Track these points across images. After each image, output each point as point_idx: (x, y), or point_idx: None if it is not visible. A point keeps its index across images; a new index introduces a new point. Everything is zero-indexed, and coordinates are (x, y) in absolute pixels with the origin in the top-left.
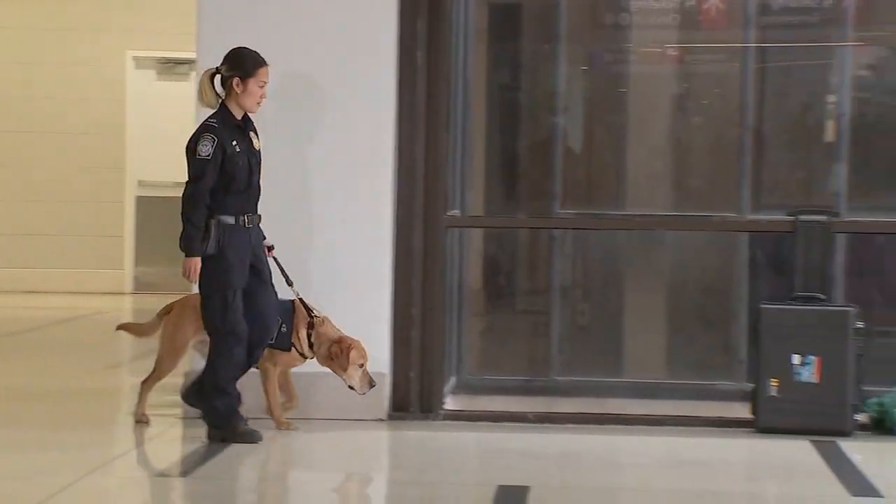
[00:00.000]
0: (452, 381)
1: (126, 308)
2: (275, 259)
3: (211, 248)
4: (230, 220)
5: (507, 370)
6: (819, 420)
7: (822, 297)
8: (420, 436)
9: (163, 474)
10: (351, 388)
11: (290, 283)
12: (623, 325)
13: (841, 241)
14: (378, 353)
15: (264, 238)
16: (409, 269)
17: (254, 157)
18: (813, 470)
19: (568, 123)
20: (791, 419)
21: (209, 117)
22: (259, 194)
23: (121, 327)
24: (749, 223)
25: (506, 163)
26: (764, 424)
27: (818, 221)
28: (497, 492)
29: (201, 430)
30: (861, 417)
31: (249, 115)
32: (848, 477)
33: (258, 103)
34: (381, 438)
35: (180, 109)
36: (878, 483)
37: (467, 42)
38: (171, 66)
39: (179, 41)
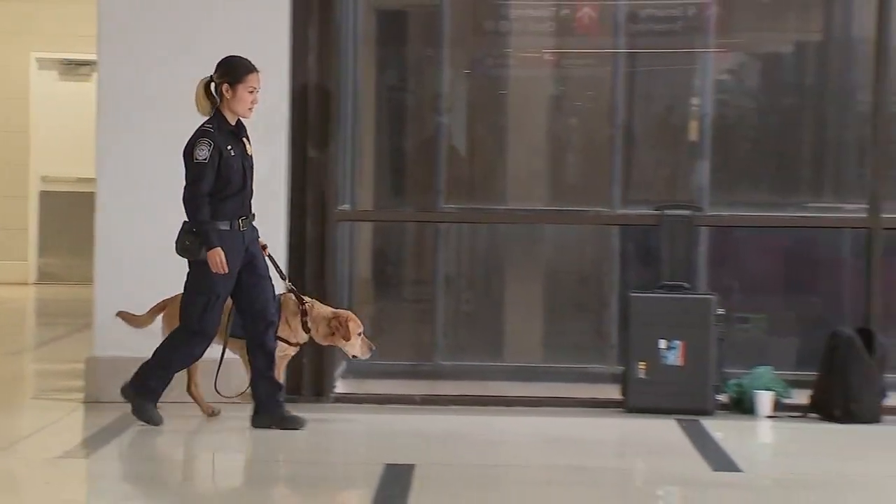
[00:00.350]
0: (343, 366)
1: (30, 297)
2: (269, 256)
3: (203, 253)
4: (224, 225)
5: (395, 355)
6: (684, 400)
7: (686, 285)
8: (311, 418)
9: (66, 455)
10: (354, 356)
11: (283, 278)
12: (504, 313)
13: (703, 233)
14: None
15: (258, 236)
16: (302, 261)
17: (247, 161)
18: (678, 447)
19: (452, 123)
20: (658, 400)
21: (205, 123)
22: (252, 196)
23: (119, 314)
24: (619, 217)
25: (394, 160)
26: (633, 405)
27: (682, 216)
28: (384, 470)
29: (104, 415)
30: (722, 398)
31: (242, 120)
32: (710, 453)
33: (250, 109)
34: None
35: (82, 109)
36: (737, 458)
37: (356, 47)
38: (73, 67)
39: (81, 43)
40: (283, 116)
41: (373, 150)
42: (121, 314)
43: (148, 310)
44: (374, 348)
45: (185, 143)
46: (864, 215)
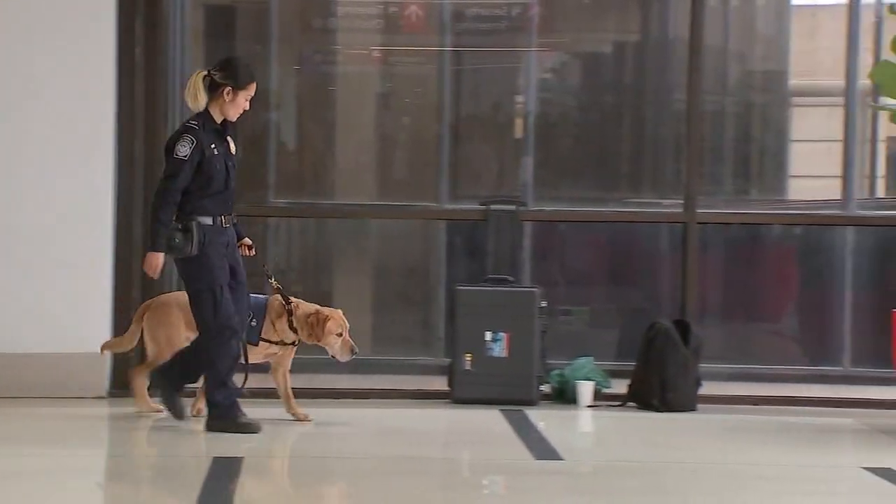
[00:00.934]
0: None
1: None
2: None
3: (193, 249)
4: (208, 220)
5: None
6: (508, 391)
7: (510, 279)
8: (137, 412)
9: None
10: (333, 357)
11: (269, 277)
12: (334, 306)
13: (528, 228)
14: (100, 333)
15: (241, 238)
16: (130, 255)
17: (230, 161)
18: (503, 436)
19: (281, 119)
20: (484, 390)
21: (190, 119)
22: (233, 197)
23: (105, 347)
24: (446, 212)
25: None
26: (459, 396)
27: (507, 210)
28: (213, 463)
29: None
30: (545, 388)
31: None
32: (533, 442)
33: (240, 114)
34: (101, 415)
35: None
36: (559, 447)
37: (184, 41)
38: None
39: None
40: (109, 109)
41: None
42: (105, 345)
43: (130, 327)
44: (356, 351)
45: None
46: (680, 210)
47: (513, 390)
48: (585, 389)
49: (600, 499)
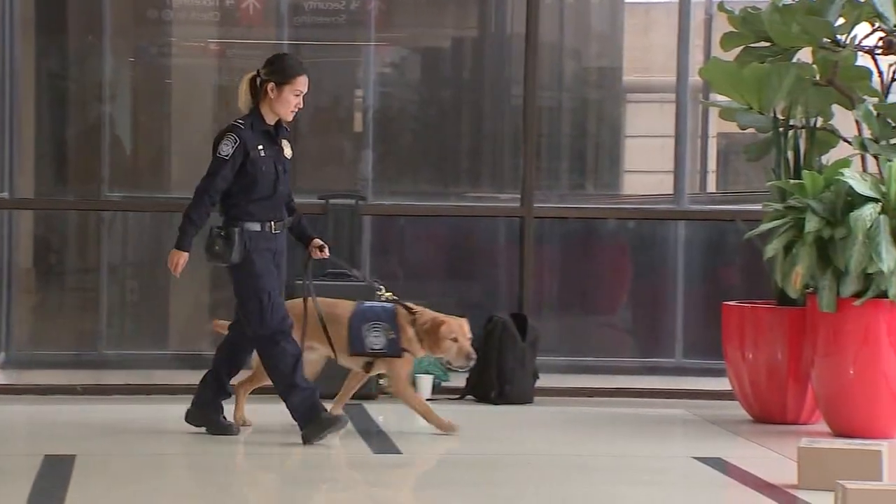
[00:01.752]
0: (2, 356)
1: None
2: (333, 259)
3: (236, 256)
4: (255, 226)
5: (57, 345)
6: None
7: (350, 273)
8: None
9: None
10: (449, 364)
11: (380, 290)
12: (169, 302)
13: (367, 222)
14: None
15: (310, 239)
16: None
17: (281, 165)
18: (342, 431)
19: (115, 112)
20: (322, 385)
21: (238, 118)
22: (285, 202)
23: (217, 325)
24: None
25: (56, 148)
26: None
27: (347, 205)
28: (44, 461)
29: None
30: (384, 382)
31: (284, 122)
32: (372, 437)
33: (292, 112)
34: None
35: None
36: (397, 441)
37: (13, 31)
38: None
39: None
40: None
41: (34, 138)
42: (217, 325)
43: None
44: (473, 357)
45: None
46: (517, 205)
47: None
48: (424, 383)
49: (438, 491)
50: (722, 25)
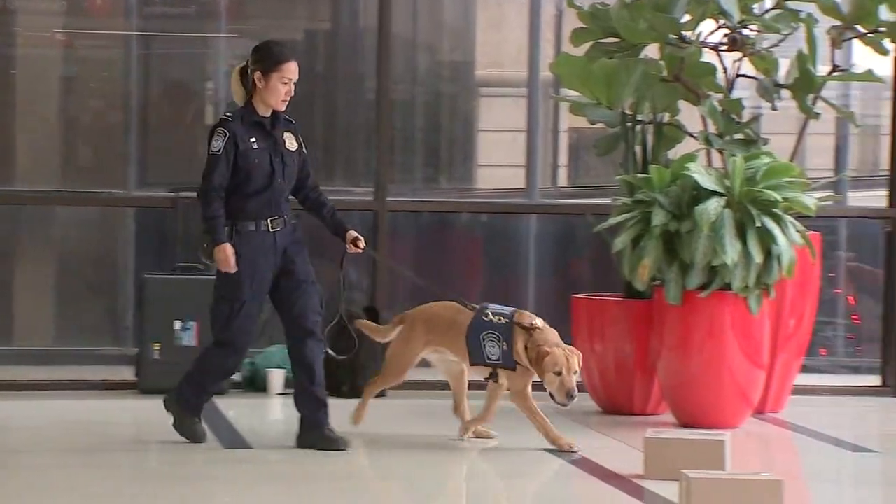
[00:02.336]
0: None
1: None
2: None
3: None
4: (250, 225)
5: None
6: None
7: (200, 267)
8: None
9: None
10: (552, 397)
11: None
12: (13, 296)
13: None
14: None
15: (344, 230)
16: None
17: (277, 157)
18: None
19: None
20: (173, 380)
21: (227, 112)
22: (286, 195)
23: (360, 325)
24: (134, 199)
25: None
26: (147, 386)
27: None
28: None
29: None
30: (236, 376)
31: (279, 111)
32: (223, 431)
33: (283, 101)
34: None
35: None
36: (248, 435)
37: None
38: None
39: None
40: None
41: None
42: (361, 325)
43: (390, 322)
44: (574, 395)
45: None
46: (371, 198)
47: None
48: (276, 377)
49: (288, 486)
50: (572, 21)
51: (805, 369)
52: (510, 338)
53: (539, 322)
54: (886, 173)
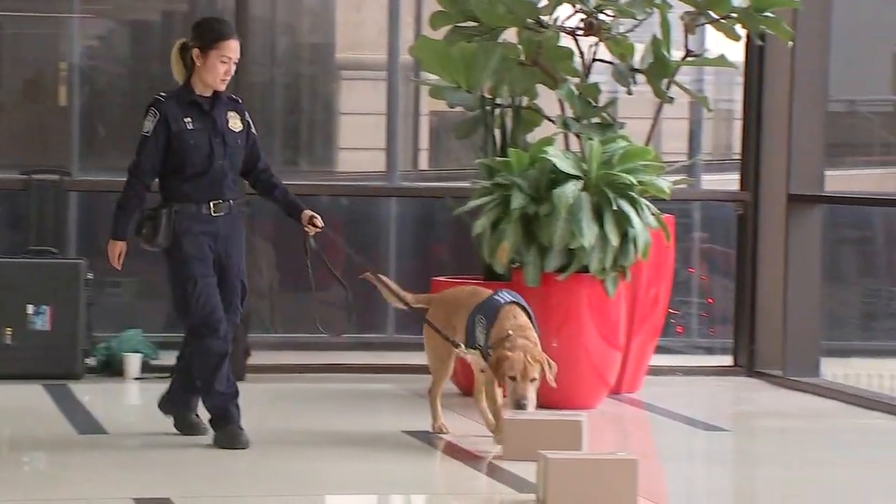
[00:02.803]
0: None
1: None
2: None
3: (163, 240)
4: (189, 207)
5: None
6: (52, 365)
7: (53, 250)
8: None
9: None
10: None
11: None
12: None
13: (73, 198)
14: None
15: (299, 211)
16: None
17: (217, 137)
18: (45, 412)
19: None
20: (25, 365)
21: (160, 92)
22: (230, 178)
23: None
24: None
25: None
26: None
27: (51, 180)
28: None
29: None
30: (91, 361)
31: (221, 91)
32: (77, 417)
33: (222, 80)
34: None
35: None
36: (103, 421)
37: None
38: None
39: None
40: None
41: None
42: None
43: (414, 294)
44: (523, 404)
45: None
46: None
47: (56, 364)
48: (132, 362)
49: (145, 472)
50: (432, 4)
51: (660, 350)
52: (491, 323)
53: (522, 320)
54: (738, 157)
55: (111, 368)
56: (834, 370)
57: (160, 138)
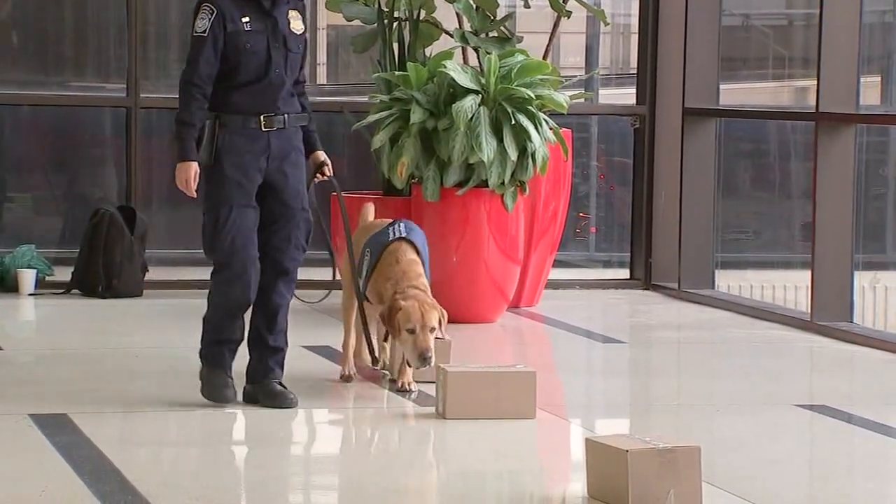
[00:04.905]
0: None
1: None
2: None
3: (203, 156)
4: (237, 120)
5: None
6: None
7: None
8: None
9: None
10: (407, 362)
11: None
12: None
13: None
14: None
15: (312, 150)
16: None
17: (277, 42)
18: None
19: None
20: None
21: None
22: (287, 88)
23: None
24: None
25: None
26: None
27: None
28: None
29: None
30: None
31: None
32: None
33: None
34: None
35: None
36: None
37: None
38: None
39: None
40: None
41: None
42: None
43: None
44: (428, 356)
45: None
46: (123, 95)
47: None
48: (27, 277)
49: (42, 387)
50: None
51: (559, 264)
52: (375, 259)
53: (404, 264)
54: (635, 72)
55: (5, 284)
56: (728, 282)
57: (218, 38)
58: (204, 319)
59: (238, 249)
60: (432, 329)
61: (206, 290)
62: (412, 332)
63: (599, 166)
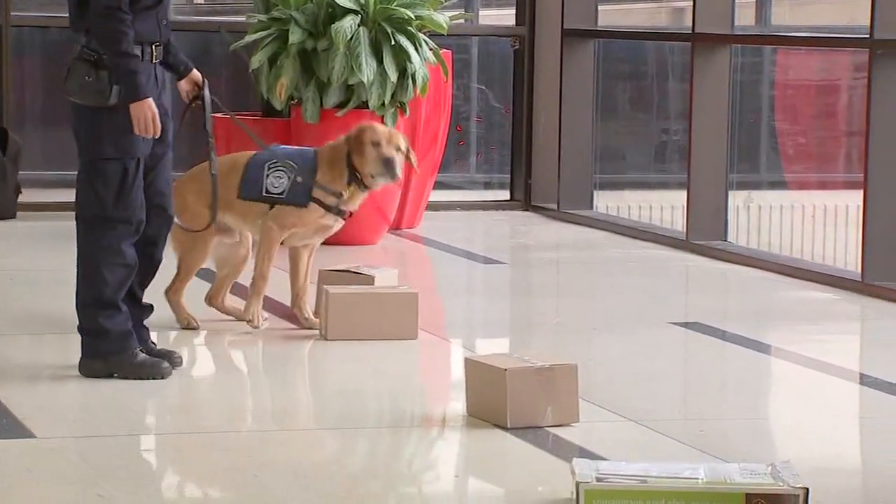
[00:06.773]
0: None
1: None
2: (213, 100)
3: (112, 96)
4: (139, 52)
5: None
6: None
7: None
8: None
9: None
10: (369, 177)
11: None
12: None
13: None
14: None
15: (186, 72)
16: None
17: None
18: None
19: None
20: None
21: None
22: (169, 13)
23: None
24: None
25: None
26: None
27: None
28: None
29: None
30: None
31: None
32: None
33: None
34: None
35: None
36: None
37: None
38: None
39: None
40: None
41: None
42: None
43: None
44: (394, 166)
45: None
46: None
47: None
48: None
49: None
50: None
51: (439, 186)
52: (312, 169)
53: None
54: None
55: None
56: (607, 202)
57: None
58: (95, 302)
59: (140, 205)
60: (398, 149)
61: (73, 211)
62: (377, 144)
63: (501, 106)
